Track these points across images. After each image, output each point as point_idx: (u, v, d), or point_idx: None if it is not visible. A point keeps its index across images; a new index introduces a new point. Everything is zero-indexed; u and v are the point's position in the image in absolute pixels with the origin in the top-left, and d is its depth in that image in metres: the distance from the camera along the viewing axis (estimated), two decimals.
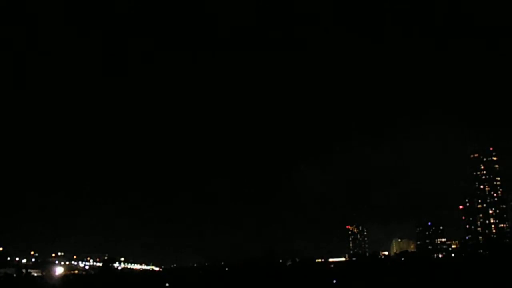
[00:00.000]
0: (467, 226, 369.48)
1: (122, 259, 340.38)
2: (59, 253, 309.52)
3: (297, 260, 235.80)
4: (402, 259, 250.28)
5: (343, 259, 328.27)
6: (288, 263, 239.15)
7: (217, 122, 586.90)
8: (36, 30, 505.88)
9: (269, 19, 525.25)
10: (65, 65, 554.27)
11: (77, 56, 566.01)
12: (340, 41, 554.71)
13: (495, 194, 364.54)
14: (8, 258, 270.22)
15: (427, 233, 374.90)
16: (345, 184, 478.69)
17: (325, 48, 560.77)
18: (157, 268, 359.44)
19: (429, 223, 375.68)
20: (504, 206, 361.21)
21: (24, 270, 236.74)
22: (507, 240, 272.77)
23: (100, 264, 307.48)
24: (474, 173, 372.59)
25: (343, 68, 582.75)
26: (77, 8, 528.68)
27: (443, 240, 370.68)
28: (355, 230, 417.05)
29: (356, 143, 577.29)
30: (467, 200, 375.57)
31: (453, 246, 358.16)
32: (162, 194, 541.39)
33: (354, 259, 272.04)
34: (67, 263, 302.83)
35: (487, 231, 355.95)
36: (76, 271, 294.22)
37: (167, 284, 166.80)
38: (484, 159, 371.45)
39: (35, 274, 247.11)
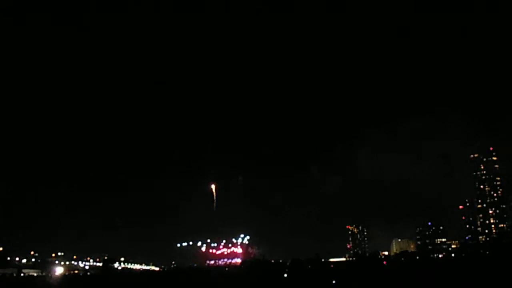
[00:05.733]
0: (467, 226, 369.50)
1: (122, 259, 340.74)
2: (59, 253, 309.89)
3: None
4: (402, 259, 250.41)
5: (343, 259, 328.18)
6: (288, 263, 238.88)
7: (217, 123, 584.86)
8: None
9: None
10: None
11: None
12: (344, 40, 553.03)
13: (495, 194, 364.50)
14: (8, 258, 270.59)
15: (427, 233, 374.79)
16: (346, 184, 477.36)
17: (328, 46, 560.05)
18: (157, 268, 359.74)
19: (429, 223, 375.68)
20: (504, 206, 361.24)
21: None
22: (507, 240, 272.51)
23: (100, 264, 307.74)
24: (474, 173, 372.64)
25: (342, 70, 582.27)
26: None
27: (443, 240, 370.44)
28: (355, 230, 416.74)
29: (356, 143, 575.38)
30: (467, 200, 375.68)
31: (453, 246, 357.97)
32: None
33: (354, 259, 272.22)
34: (67, 263, 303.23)
35: (487, 231, 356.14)
36: (76, 271, 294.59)
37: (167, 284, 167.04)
38: (484, 159, 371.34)
39: (35, 274, 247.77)
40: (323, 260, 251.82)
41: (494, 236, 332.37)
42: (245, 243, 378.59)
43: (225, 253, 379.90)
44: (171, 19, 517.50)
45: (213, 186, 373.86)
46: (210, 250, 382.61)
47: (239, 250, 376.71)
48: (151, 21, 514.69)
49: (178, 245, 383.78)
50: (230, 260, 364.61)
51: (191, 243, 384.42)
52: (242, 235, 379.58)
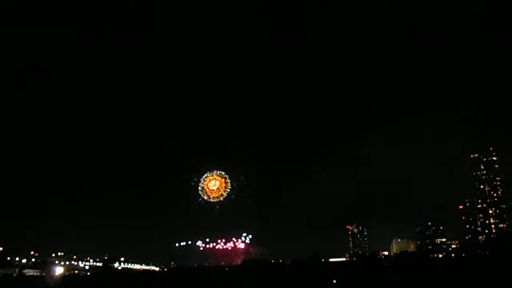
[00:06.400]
0: (467, 226, 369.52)
1: (122, 259, 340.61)
2: (59, 253, 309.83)
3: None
4: (402, 259, 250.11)
5: (343, 259, 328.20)
6: (287, 263, 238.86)
7: (218, 123, 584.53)
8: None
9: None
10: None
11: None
12: (343, 42, 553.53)
13: (495, 194, 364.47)
14: (8, 258, 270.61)
15: (427, 233, 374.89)
16: (346, 184, 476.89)
17: (328, 49, 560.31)
18: (157, 268, 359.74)
19: (429, 223, 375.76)
20: (504, 206, 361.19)
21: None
22: (507, 240, 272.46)
23: (100, 264, 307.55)
24: (474, 173, 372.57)
25: (344, 71, 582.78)
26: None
27: (443, 240, 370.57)
28: (355, 230, 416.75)
29: (357, 144, 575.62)
30: (467, 200, 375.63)
31: (453, 246, 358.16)
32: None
33: (354, 259, 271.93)
34: (67, 263, 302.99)
35: (487, 231, 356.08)
36: (76, 271, 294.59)
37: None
38: (484, 159, 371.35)
39: (34, 274, 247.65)
40: (322, 260, 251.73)
41: (494, 236, 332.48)
42: (247, 242, 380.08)
43: (229, 248, 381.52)
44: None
45: (214, 186, 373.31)
46: (210, 246, 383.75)
47: (241, 245, 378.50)
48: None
49: (177, 244, 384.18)
50: (230, 261, 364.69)
51: (190, 242, 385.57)
52: (244, 234, 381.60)
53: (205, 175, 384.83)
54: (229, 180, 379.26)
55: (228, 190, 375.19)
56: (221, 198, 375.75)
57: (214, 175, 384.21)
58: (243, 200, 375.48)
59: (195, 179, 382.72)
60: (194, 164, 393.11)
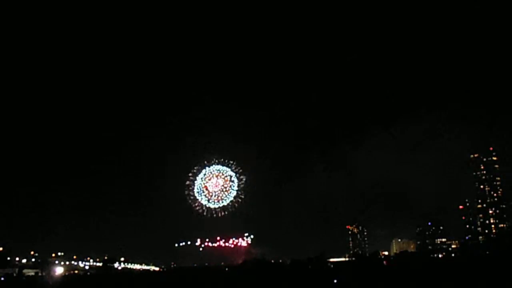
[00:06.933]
0: (467, 226, 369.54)
1: (122, 259, 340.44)
2: (59, 253, 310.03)
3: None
4: (402, 259, 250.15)
5: (343, 259, 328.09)
6: (288, 263, 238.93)
7: (218, 122, 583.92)
8: None
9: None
10: None
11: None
12: (344, 42, 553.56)
13: (495, 194, 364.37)
14: (8, 258, 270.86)
15: (427, 233, 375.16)
16: (346, 184, 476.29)
17: (329, 48, 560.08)
18: (157, 268, 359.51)
19: (429, 223, 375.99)
20: (504, 206, 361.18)
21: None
22: (507, 240, 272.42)
23: (100, 264, 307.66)
24: (474, 173, 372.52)
25: (344, 71, 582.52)
26: None
27: (443, 240, 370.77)
28: (355, 230, 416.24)
29: (357, 143, 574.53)
30: (467, 200, 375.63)
31: (453, 246, 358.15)
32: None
33: (354, 259, 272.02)
34: (67, 263, 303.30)
35: (487, 231, 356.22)
36: (76, 271, 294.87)
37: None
38: (484, 159, 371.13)
39: (33, 273, 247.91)
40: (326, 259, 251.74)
41: (494, 236, 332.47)
42: (248, 241, 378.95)
43: (231, 246, 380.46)
44: None
45: (216, 188, 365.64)
46: (210, 246, 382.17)
47: (243, 243, 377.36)
48: None
49: (177, 244, 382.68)
50: (231, 261, 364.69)
51: (190, 242, 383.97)
52: (246, 234, 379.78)
53: (203, 172, 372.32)
54: (235, 179, 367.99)
55: (234, 192, 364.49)
56: (225, 203, 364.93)
57: (215, 171, 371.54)
58: (245, 201, 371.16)
59: (191, 178, 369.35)
60: (191, 161, 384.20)
